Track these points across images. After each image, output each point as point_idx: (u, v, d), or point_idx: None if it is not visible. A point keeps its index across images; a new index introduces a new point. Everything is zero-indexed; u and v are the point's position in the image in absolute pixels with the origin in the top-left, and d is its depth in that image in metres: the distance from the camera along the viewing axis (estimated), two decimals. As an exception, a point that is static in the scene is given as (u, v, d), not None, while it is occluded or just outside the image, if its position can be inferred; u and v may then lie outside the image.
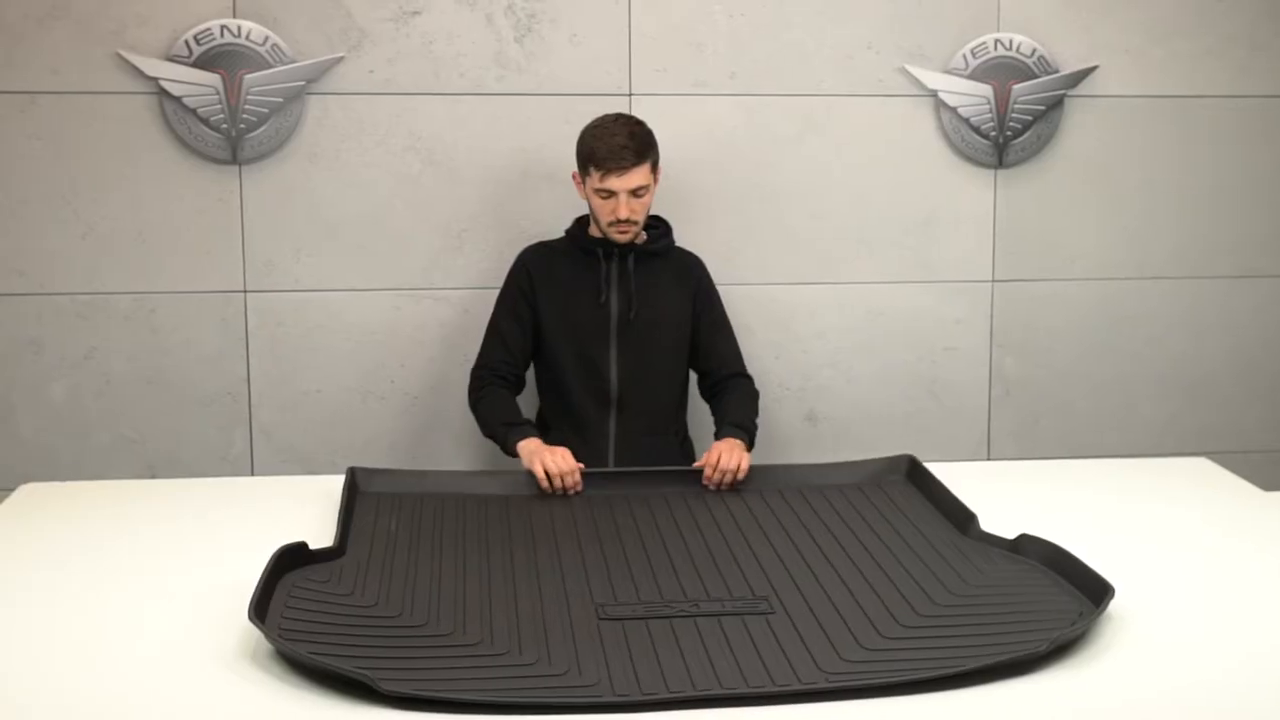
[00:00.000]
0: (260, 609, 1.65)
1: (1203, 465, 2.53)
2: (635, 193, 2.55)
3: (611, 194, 2.54)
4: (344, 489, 2.18)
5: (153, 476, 2.91)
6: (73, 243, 2.86)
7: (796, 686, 1.52)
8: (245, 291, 2.91)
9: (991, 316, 3.12)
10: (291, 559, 1.83)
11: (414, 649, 1.62)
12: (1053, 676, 1.58)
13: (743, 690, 1.52)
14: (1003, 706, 1.51)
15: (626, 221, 2.57)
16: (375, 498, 2.20)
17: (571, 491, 2.30)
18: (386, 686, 1.48)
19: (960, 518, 2.10)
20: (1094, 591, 1.76)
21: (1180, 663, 1.63)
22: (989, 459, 3.14)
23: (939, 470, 2.31)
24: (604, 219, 2.59)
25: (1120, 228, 3.14)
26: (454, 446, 2.99)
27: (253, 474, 2.95)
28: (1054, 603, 1.78)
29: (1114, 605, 1.75)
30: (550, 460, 2.31)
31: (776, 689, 1.52)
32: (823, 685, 1.53)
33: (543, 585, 1.84)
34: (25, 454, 2.90)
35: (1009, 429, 3.17)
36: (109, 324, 2.89)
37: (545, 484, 2.29)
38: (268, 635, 1.59)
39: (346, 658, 1.56)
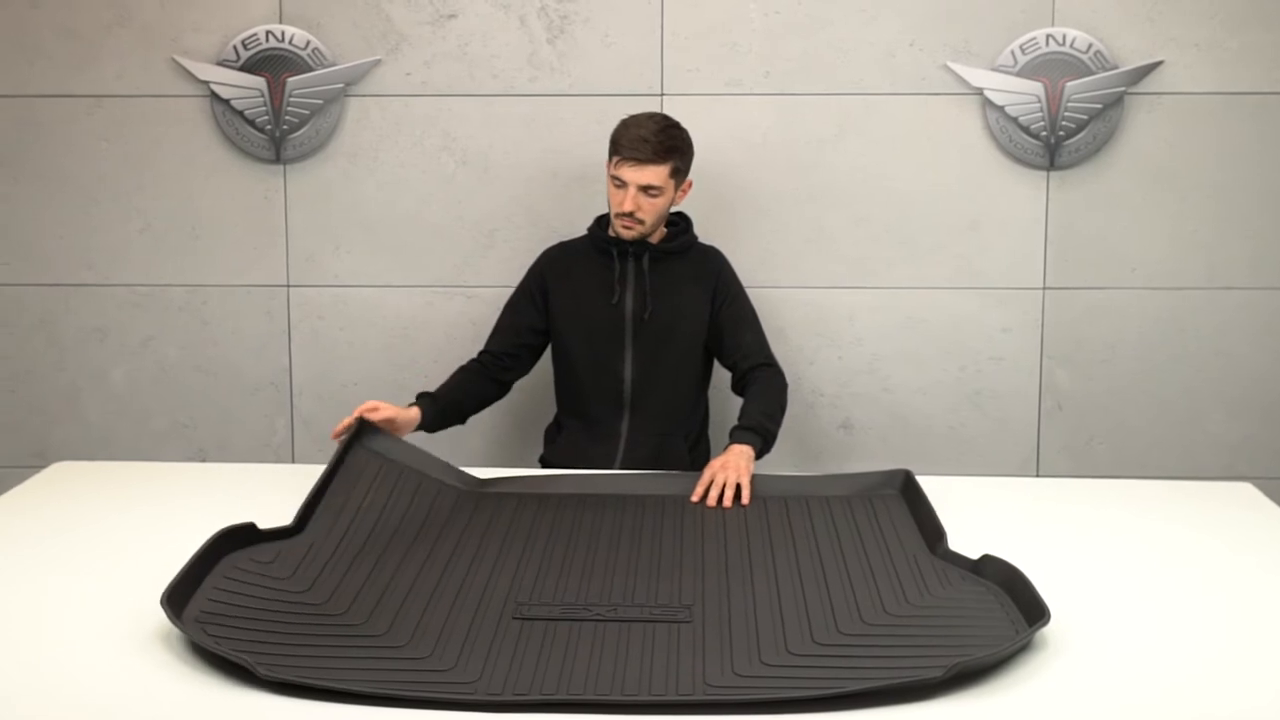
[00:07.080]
0: (186, 588, 1.71)
1: (1244, 491, 2.33)
2: (646, 190, 2.53)
3: (623, 184, 2.53)
4: (341, 446, 2.19)
5: (203, 461, 3.06)
6: (133, 237, 3.03)
7: (671, 698, 1.49)
8: (288, 286, 3.03)
9: (1042, 326, 2.96)
10: (237, 539, 1.89)
11: (321, 637, 1.65)
12: (955, 704, 1.49)
13: (614, 698, 1.49)
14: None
15: (631, 217, 2.54)
16: (366, 457, 2.20)
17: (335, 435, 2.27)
18: (265, 672, 1.51)
19: (934, 535, 2.01)
20: (1035, 617, 1.66)
21: (1106, 701, 1.51)
22: (1038, 476, 2.98)
23: (965, 484, 2.21)
24: (613, 207, 2.58)
25: (1187, 234, 2.93)
26: (483, 443, 3.03)
27: (293, 462, 3.06)
28: (992, 627, 1.67)
29: (1058, 632, 1.64)
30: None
31: (650, 699, 1.49)
32: (698, 698, 1.49)
33: (472, 581, 1.84)
34: (90, 436, 3.09)
35: (1060, 445, 3.00)
36: (165, 314, 3.05)
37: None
38: (168, 614, 1.63)
39: (245, 641, 1.60)
